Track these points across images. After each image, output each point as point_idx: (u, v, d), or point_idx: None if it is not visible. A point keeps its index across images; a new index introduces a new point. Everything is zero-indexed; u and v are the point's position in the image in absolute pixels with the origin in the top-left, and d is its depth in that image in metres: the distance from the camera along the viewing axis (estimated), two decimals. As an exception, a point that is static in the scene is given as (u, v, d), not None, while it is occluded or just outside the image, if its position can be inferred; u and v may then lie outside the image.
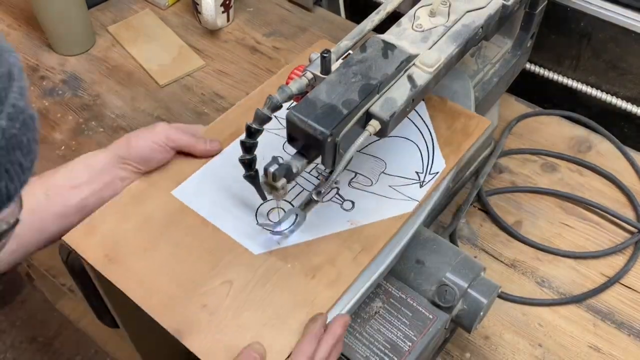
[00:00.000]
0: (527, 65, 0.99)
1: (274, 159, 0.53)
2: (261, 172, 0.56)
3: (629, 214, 0.87)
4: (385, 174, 0.67)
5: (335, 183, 0.57)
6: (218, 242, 0.61)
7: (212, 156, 0.68)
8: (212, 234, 0.61)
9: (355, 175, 0.66)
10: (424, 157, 0.69)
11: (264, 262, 0.59)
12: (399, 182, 0.66)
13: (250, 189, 0.60)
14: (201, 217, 0.63)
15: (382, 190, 0.65)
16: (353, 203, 0.64)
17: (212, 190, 0.65)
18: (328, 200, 0.64)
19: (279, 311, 0.56)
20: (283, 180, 0.54)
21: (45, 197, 0.60)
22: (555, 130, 0.97)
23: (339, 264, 0.60)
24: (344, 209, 0.64)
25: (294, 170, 0.54)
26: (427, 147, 0.69)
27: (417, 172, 0.67)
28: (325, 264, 0.59)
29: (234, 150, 0.68)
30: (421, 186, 0.66)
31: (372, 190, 0.66)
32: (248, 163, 0.58)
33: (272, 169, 0.53)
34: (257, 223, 0.63)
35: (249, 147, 0.56)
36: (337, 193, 0.65)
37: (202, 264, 0.59)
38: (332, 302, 0.57)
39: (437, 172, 0.67)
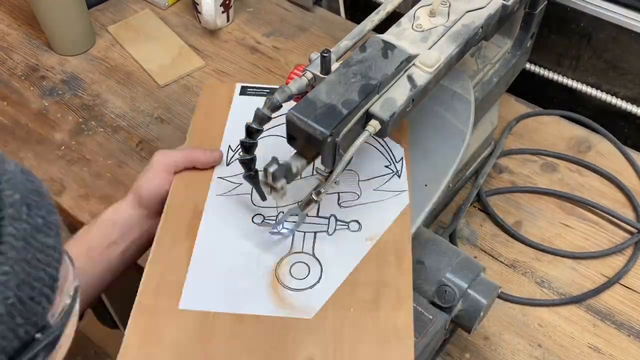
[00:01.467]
0: (527, 65, 0.98)
1: (274, 159, 0.53)
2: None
3: (629, 214, 0.87)
4: (362, 181, 0.67)
5: (335, 183, 0.57)
6: (266, 328, 0.55)
7: (214, 166, 0.67)
8: (254, 324, 0.55)
9: (339, 197, 0.65)
10: (381, 150, 0.69)
11: (326, 322, 0.55)
12: (379, 183, 0.66)
13: (249, 248, 0.60)
14: (228, 314, 0.56)
15: (371, 196, 0.65)
16: (357, 222, 0.63)
17: (216, 278, 0.59)
18: (333, 233, 0.62)
19: (373, 357, 0.53)
20: (283, 181, 0.54)
21: (88, 260, 0.63)
22: (555, 130, 0.97)
23: (389, 282, 0.58)
24: (354, 231, 0.62)
25: (294, 170, 0.54)
26: (377, 141, 0.70)
27: (386, 166, 0.68)
28: (379, 290, 0.57)
29: (208, 229, 0.62)
30: (399, 176, 0.67)
31: (363, 201, 0.65)
32: (248, 163, 0.58)
33: (271, 169, 0.53)
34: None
35: (248, 147, 0.56)
36: (337, 221, 0.63)
37: None
38: (409, 319, 0.55)
39: (402, 157, 0.68)
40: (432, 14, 0.63)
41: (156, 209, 0.65)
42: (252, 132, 0.55)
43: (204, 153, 0.67)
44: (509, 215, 0.87)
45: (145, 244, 0.66)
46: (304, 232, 0.62)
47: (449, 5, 0.63)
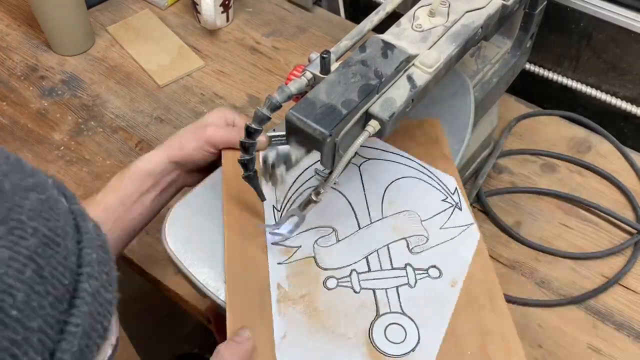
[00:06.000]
0: (527, 66, 0.98)
1: (273, 147, 0.53)
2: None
3: (629, 214, 0.87)
4: (425, 221, 0.63)
5: (335, 184, 0.57)
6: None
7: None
8: None
9: (408, 243, 0.62)
10: (432, 184, 0.66)
11: None
12: (442, 220, 0.63)
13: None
14: None
15: (440, 236, 0.62)
16: (436, 267, 0.60)
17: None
18: (415, 284, 0.58)
19: None
20: (282, 168, 0.54)
21: (122, 207, 0.66)
22: (555, 130, 0.97)
23: (491, 327, 0.55)
24: (435, 278, 0.59)
25: (293, 158, 0.54)
26: (424, 173, 0.67)
27: (443, 200, 0.65)
28: (484, 339, 0.55)
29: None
30: (460, 209, 0.64)
31: (434, 243, 0.61)
32: (246, 164, 0.57)
33: (270, 157, 0.53)
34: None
35: (247, 148, 0.56)
36: (415, 270, 0.59)
37: None
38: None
39: (456, 187, 0.65)
40: (431, 14, 0.63)
41: (190, 168, 0.69)
42: (251, 133, 0.54)
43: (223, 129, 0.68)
44: (508, 215, 0.87)
45: (180, 188, 0.71)
46: (386, 290, 0.58)
47: (449, 5, 0.63)
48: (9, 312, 0.29)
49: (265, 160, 0.54)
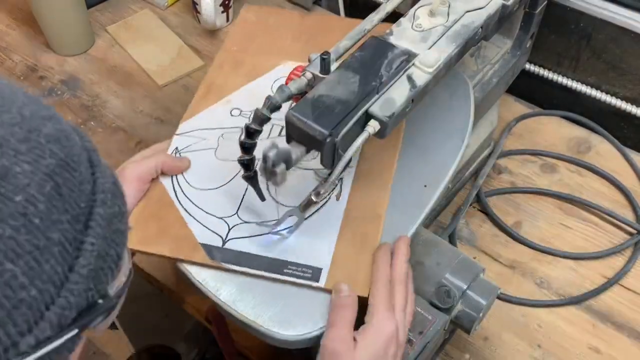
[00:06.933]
0: (527, 66, 0.98)
1: (274, 145, 0.53)
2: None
3: (629, 214, 0.87)
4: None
5: (334, 184, 0.57)
6: None
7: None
8: None
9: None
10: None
11: None
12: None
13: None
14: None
15: None
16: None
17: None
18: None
19: None
20: (282, 166, 0.54)
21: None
22: (555, 130, 0.97)
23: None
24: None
25: (293, 156, 0.54)
26: None
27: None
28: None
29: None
30: None
31: None
32: (247, 164, 0.57)
33: (271, 154, 0.52)
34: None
35: (247, 148, 0.56)
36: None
37: None
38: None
39: None
40: (431, 14, 0.63)
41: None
42: (251, 133, 0.54)
43: (172, 160, 0.67)
44: (508, 215, 0.87)
45: None
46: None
47: (449, 5, 0.63)
48: (32, 220, 0.31)
49: (265, 159, 0.53)
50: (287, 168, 0.54)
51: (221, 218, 0.63)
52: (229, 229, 0.62)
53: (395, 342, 0.55)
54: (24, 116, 0.34)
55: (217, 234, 0.62)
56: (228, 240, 0.62)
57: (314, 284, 0.58)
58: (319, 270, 0.59)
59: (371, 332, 0.54)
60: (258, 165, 0.57)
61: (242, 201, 0.65)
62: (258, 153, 0.57)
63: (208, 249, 0.61)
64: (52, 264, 0.32)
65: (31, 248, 0.31)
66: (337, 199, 0.64)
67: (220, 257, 0.60)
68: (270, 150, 0.53)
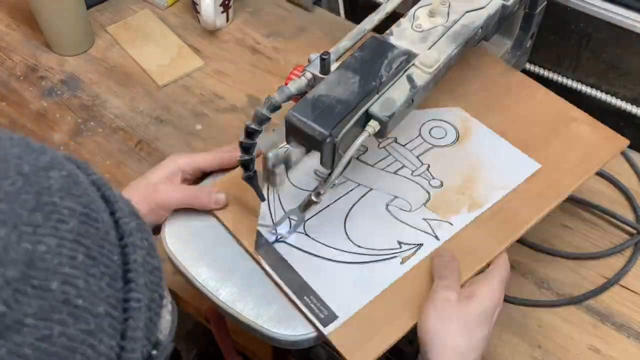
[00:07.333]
0: (527, 66, 0.98)
1: (273, 145, 0.53)
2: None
3: (629, 215, 0.87)
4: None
5: (333, 185, 0.57)
6: None
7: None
8: None
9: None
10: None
11: None
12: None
13: None
14: None
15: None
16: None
17: None
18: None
19: None
20: (281, 167, 0.54)
21: None
22: (555, 131, 0.97)
23: None
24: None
25: (293, 158, 0.54)
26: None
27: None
28: None
29: None
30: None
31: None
32: (246, 164, 0.57)
33: (270, 155, 0.53)
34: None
35: (247, 148, 0.56)
36: None
37: None
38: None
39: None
40: (431, 14, 0.63)
41: (160, 215, 0.64)
42: (251, 133, 0.54)
43: (206, 195, 0.64)
44: (508, 215, 0.87)
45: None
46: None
47: (449, 5, 0.63)
48: (76, 303, 0.27)
49: (265, 161, 0.53)
50: (287, 169, 0.54)
51: (288, 217, 0.63)
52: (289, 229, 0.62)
53: (497, 312, 0.58)
54: (25, 175, 0.29)
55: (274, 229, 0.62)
56: (281, 240, 0.62)
57: (320, 328, 0.56)
58: (335, 317, 0.57)
59: (487, 291, 0.56)
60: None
61: (315, 214, 0.64)
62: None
63: (259, 236, 0.61)
64: (105, 342, 0.29)
65: (83, 337, 0.27)
66: (402, 261, 0.61)
67: (263, 252, 0.60)
68: (270, 152, 0.53)
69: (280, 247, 0.61)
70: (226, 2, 1.08)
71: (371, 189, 0.66)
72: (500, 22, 0.67)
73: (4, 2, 1.15)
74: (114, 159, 0.92)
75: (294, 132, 0.54)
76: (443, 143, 0.70)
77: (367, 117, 0.55)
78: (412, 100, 0.57)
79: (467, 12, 0.63)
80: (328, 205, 0.64)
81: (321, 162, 0.55)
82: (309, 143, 0.53)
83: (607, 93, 0.96)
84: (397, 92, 0.56)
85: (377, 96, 0.56)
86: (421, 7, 0.64)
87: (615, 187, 0.90)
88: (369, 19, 0.64)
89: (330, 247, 0.61)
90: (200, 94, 1.01)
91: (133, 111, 0.98)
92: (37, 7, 1.01)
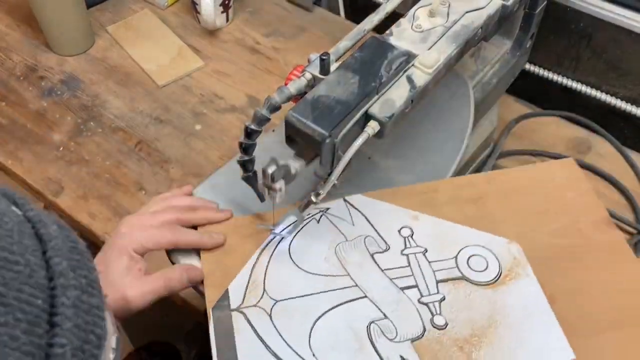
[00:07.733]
0: (527, 66, 0.98)
1: (273, 160, 0.53)
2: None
3: (628, 215, 0.87)
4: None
5: (333, 186, 0.57)
6: None
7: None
8: None
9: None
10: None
11: None
12: None
13: None
14: None
15: None
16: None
17: None
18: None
19: None
20: (281, 182, 0.53)
21: None
22: (555, 131, 0.97)
23: None
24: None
25: (293, 171, 0.54)
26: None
27: None
28: None
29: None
30: None
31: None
32: (245, 164, 0.57)
33: (270, 170, 0.52)
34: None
35: (246, 148, 0.56)
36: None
37: None
38: None
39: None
40: (431, 14, 0.63)
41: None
42: (250, 133, 0.54)
43: (208, 238, 0.61)
44: (508, 216, 0.87)
45: None
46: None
47: (449, 5, 0.63)
48: None
49: (264, 174, 0.53)
50: (287, 184, 0.54)
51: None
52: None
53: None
54: None
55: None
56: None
57: None
58: None
59: None
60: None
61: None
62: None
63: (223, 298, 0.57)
64: None
65: None
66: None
67: (217, 316, 0.56)
68: (270, 166, 0.52)
69: (237, 320, 0.55)
70: (226, 2, 1.08)
71: (365, 297, 0.57)
72: (500, 22, 0.67)
73: (4, 2, 1.15)
74: (113, 159, 0.92)
75: (293, 133, 0.53)
76: (477, 279, 0.58)
77: (367, 117, 0.55)
78: (412, 101, 0.57)
79: (467, 12, 0.63)
80: (311, 294, 0.57)
81: (321, 163, 0.55)
82: (309, 144, 0.53)
83: (607, 93, 0.96)
84: (397, 93, 0.56)
85: (376, 97, 0.56)
86: (421, 7, 0.64)
87: (616, 188, 0.90)
88: (369, 19, 0.64)
89: (284, 344, 0.54)
90: (200, 94, 1.01)
91: (133, 111, 0.98)
92: (37, 7, 1.00)
